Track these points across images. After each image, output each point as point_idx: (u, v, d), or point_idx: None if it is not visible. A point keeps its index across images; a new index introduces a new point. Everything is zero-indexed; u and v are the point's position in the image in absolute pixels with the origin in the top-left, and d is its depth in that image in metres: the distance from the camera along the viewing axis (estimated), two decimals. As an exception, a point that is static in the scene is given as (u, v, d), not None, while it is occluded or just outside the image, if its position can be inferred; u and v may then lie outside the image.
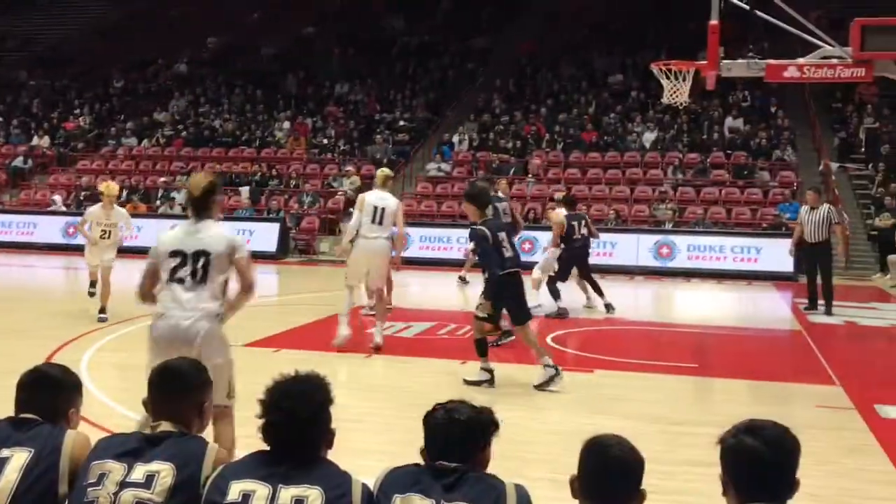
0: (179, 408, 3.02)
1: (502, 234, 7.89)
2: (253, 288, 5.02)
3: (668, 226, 20.47)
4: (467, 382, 7.88)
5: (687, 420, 6.89)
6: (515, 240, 9.12)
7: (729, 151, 23.45)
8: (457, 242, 18.74)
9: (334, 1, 35.94)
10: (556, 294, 12.21)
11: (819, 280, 13.31)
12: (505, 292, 7.84)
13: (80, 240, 12.56)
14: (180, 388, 3.06)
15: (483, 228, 7.78)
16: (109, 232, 11.27)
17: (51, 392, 3.16)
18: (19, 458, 2.88)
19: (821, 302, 13.28)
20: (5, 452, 2.90)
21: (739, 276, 18.52)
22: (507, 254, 7.81)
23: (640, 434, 5.94)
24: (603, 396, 7.79)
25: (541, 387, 7.72)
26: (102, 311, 10.88)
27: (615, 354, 9.73)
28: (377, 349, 9.18)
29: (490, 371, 7.95)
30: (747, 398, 7.96)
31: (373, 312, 10.03)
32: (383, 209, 9.24)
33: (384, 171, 9.91)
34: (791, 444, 2.55)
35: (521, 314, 8.02)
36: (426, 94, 28.36)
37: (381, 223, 9.21)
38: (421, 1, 34.34)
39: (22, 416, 3.07)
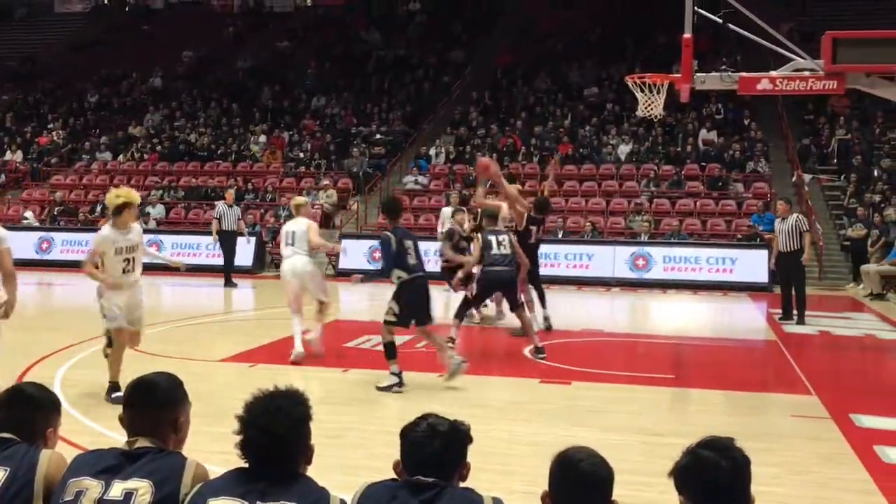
0: (155, 423, 2.98)
1: (409, 242, 8.42)
2: (12, 277, 6.31)
3: (644, 237, 20.57)
4: (379, 389, 8.14)
5: (664, 431, 6.90)
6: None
7: (703, 163, 23.63)
8: (434, 255, 18.72)
9: (309, 15, 36.00)
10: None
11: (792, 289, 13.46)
12: (408, 295, 8.30)
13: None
14: (155, 404, 3.02)
15: (388, 234, 8.36)
16: (132, 260, 7.78)
17: (28, 411, 3.13)
18: None
19: (795, 311, 13.40)
20: None
21: (715, 287, 18.64)
22: (412, 261, 8.32)
23: (618, 445, 6.00)
24: (580, 408, 7.80)
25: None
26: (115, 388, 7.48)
27: (592, 366, 9.75)
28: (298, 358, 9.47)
29: (398, 374, 8.26)
30: (724, 408, 8.00)
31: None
32: (293, 233, 10.06)
33: (296, 200, 10.82)
34: (742, 453, 2.58)
35: (424, 317, 8.47)
36: (402, 107, 28.40)
37: (292, 244, 9.97)
38: (396, 15, 34.45)
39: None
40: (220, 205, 18.40)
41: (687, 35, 9.55)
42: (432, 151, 25.64)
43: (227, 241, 17.97)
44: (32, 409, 3.14)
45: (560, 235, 20.78)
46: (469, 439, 2.89)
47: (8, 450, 2.96)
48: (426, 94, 29.28)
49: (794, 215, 13.50)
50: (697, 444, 2.61)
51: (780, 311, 13.80)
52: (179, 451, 2.99)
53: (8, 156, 28.30)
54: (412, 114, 28.08)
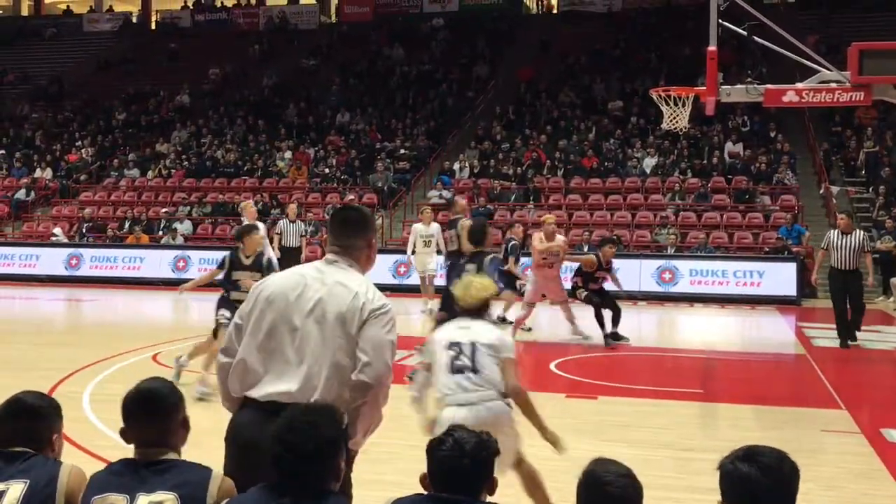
0: (165, 432, 2.96)
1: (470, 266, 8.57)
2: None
3: (671, 251, 20.46)
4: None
5: (693, 446, 6.85)
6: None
7: (729, 176, 23.51)
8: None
9: (334, 32, 36.25)
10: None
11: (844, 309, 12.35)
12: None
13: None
14: (163, 412, 2.99)
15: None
16: None
17: (31, 420, 3.09)
18: (15, 489, 2.84)
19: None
20: (0, 486, 2.86)
21: (742, 301, 18.48)
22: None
23: (647, 461, 5.95)
24: (608, 423, 7.76)
25: None
26: None
27: (619, 381, 9.70)
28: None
29: None
30: (753, 423, 7.92)
31: None
32: None
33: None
34: (789, 471, 2.49)
35: None
36: (426, 122, 28.49)
37: None
38: (419, 31, 34.62)
39: (12, 449, 3.01)
40: (281, 221, 17.87)
41: (712, 48, 9.51)
42: (456, 166, 25.68)
43: (288, 258, 16.06)
44: (35, 419, 3.10)
45: (585, 249, 20.68)
46: (496, 453, 2.87)
47: (25, 463, 2.94)
48: (450, 108, 29.36)
49: (859, 232, 12.47)
50: (746, 454, 2.53)
51: (810, 324, 13.55)
52: (205, 465, 2.97)
53: (38, 173, 28.65)
54: (436, 129, 28.16)
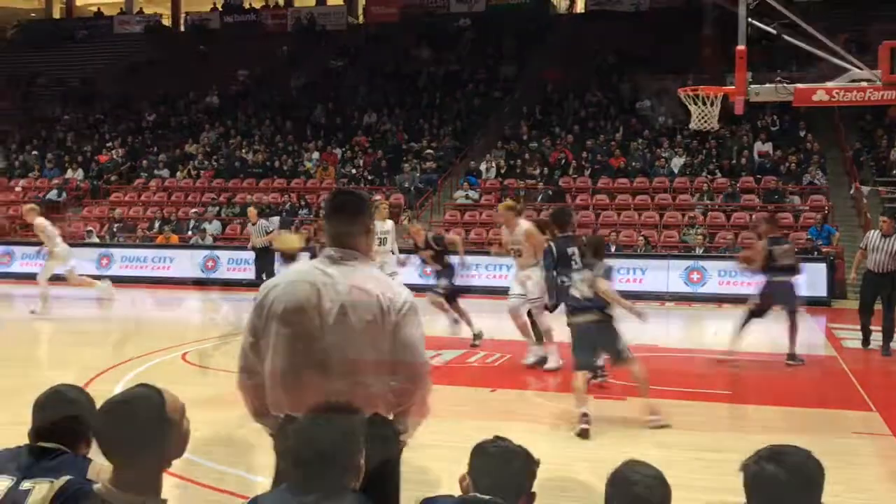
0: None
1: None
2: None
3: (699, 251, 20.32)
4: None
5: (721, 448, 6.81)
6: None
7: (758, 176, 23.31)
8: (484, 270, 18.74)
9: (361, 33, 36.35)
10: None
11: (874, 315, 12.12)
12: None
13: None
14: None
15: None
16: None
17: (70, 412, 3.00)
18: (41, 489, 2.75)
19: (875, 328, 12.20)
20: (26, 484, 2.77)
21: (772, 302, 18.27)
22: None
23: (675, 462, 5.93)
24: (636, 424, 7.73)
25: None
26: None
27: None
28: None
29: None
30: (782, 425, 7.87)
31: None
32: None
33: None
34: (814, 470, 2.48)
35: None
36: (453, 122, 28.51)
37: None
38: (446, 31, 34.64)
39: (42, 444, 2.92)
40: (248, 226, 19.27)
41: (741, 46, 9.44)
42: (482, 166, 25.67)
43: (258, 257, 18.36)
44: (73, 413, 3.00)
45: (613, 249, 20.60)
46: (535, 472, 2.89)
47: (54, 461, 2.85)
48: (476, 109, 29.35)
49: None
50: (771, 454, 2.51)
51: (841, 325, 13.39)
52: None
53: (69, 174, 28.99)
54: (463, 129, 28.17)
